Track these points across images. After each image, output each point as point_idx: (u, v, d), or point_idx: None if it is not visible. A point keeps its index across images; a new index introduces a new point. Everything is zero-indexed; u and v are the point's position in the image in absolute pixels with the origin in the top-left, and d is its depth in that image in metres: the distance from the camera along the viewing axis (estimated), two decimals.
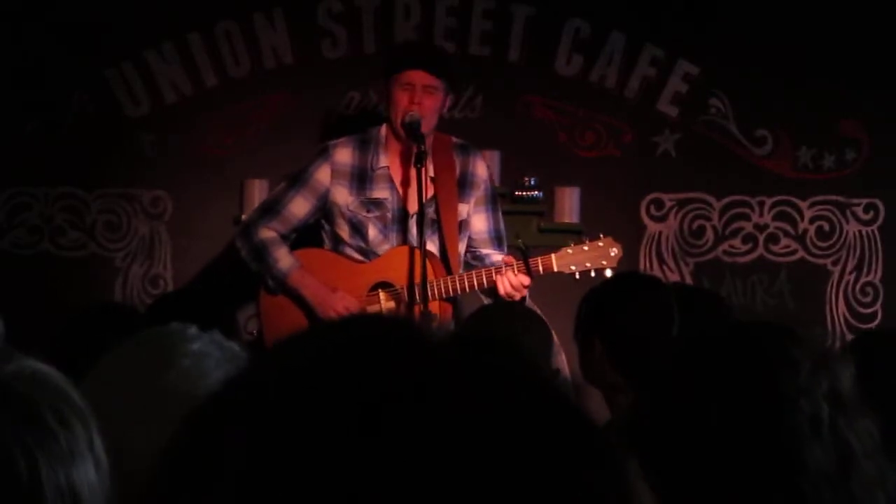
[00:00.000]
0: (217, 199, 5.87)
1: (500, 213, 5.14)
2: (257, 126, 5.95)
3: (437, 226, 4.96)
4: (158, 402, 1.83)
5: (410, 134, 4.81)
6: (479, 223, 5.07)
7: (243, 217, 5.64)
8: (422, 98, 4.83)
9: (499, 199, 5.22)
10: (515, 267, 4.70)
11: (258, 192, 5.75)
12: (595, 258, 4.74)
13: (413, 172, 4.81)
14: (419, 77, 4.86)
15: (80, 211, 5.91)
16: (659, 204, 6.07)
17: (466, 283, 4.77)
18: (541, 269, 4.73)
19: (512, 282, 4.68)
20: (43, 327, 4.06)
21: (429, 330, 0.86)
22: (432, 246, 4.93)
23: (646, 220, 6.05)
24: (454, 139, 5.09)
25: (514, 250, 4.91)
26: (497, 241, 5.08)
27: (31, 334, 2.85)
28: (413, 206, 4.87)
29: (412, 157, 4.81)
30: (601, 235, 4.80)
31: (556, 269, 4.74)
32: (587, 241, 4.79)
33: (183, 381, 1.84)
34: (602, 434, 0.84)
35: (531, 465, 0.79)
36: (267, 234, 4.99)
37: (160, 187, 5.93)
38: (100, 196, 5.92)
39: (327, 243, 5.06)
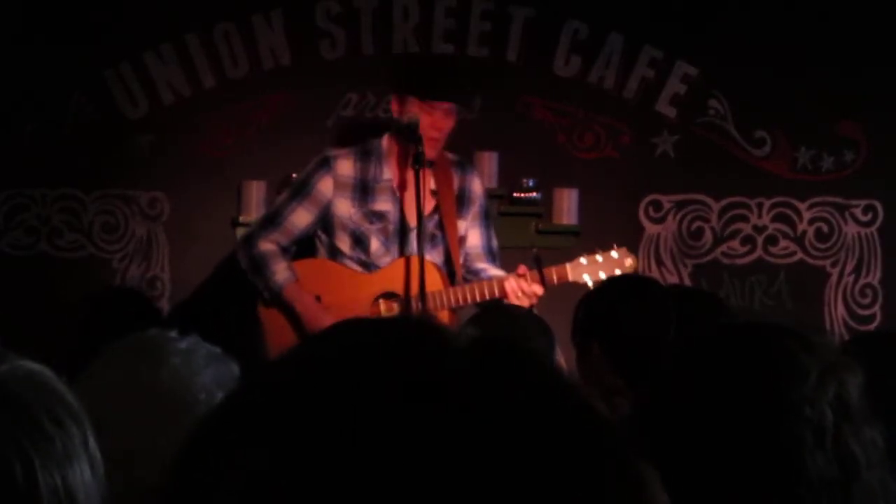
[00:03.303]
0: (215, 201, 5.86)
1: (493, 230, 5.17)
2: (256, 127, 5.95)
3: (442, 238, 4.97)
4: (154, 402, 1.83)
5: (409, 135, 4.81)
6: (474, 238, 5.09)
7: (241, 219, 5.65)
8: (443, 123, 4.87)
9: (492, 215, 5.24)
10: (529, 277, 4.72)
11: (256, 193, 5.75)
12: (609, 268, 4.78)
13: (414, 187, 4.81)
14: (447, 106, 4.88)
15: (77, 212, 5.90)
16: (657, 205, 6.07)
17: (477, 292, 4.79)
18: (555, 278, 4.76)
19: (525, 290, 4.70)
20: (40, 328, 4.06)
21: (445, 333, 0.85)
22: (437, 257, 4.95)
23: (644, 221, 6.05)
24: (450, 156, 5.11)
25: (528, 260, 4.92)
26: (491, 256, 5.10)
27: (28, 335, 2.84)
28: (414, 219, 4.88)
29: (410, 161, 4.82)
30: (614, 246, 4.84)
31: (570, 279, 4.78)
32: (600, 252, 4.82)
33: (175, 379, 1.84)
34: (626, 439, 0.84)
35: (557, 468, 0.79)
36: (266, 246, 5.00)
37: (158, 188, 5.93)
38: (97, 197, 5.92)
39: (323, 255, 5.05)
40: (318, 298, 4.96)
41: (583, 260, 4.79)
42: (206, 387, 1.84)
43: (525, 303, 4.72)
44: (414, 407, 0.79)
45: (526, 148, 5.97)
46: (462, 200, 5.08)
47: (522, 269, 4.79)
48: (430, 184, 4.88)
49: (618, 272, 4.77)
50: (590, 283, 4.74)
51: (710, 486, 1.68)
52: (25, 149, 5.84)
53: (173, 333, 1.92)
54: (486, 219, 5.15)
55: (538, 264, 4.74)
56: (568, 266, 4.79)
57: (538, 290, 4.71)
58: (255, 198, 5.72)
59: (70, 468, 1.26)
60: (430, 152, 4.83)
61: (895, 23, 6.01)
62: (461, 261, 5.05)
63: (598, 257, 4.78)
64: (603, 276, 4.75)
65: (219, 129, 5.94)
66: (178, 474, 0.84)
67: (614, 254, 4.79)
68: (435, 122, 4.85)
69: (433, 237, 4.95)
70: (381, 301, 4.91)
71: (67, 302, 5.57)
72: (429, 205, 4.80)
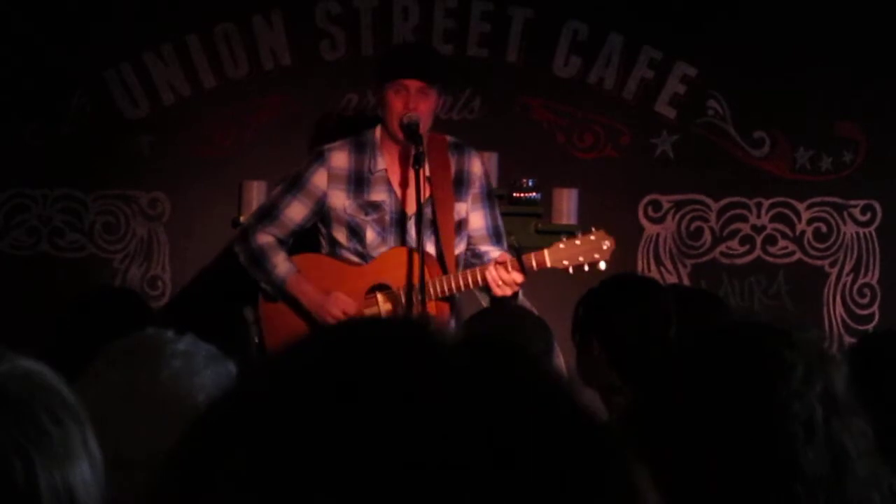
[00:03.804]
0: (215, 201, 5.86)
1: (498, 210, 5.13)
2: (256, 127, 5.95)
3: (434, 226, 4.95)
4: (154, 404, 1.83)
5: (409, 135, 4.81)
6: (477, 220, 5.07)
7: (241, 219, 5.65)
8: (417, 102, 4.84)
9: (495, 196, 5.22)
10: (509, 264, 4.70)
11: (256, 193, 5.75)
12: (587, 252, 4.74)
13: (411, 174, 4.81)
14: (413, 82, 4.86)
15: (78, 212, 5.90)
16: (657, 205, 6.07)
17: (461, 281, 4.77)
18: (534, 264, 4.72)
19: (504, 278, 4.67)
20: (41, 328, 4.06)
21: (439, 332, 0.85)
22: (429, 246, 4.93)
23: (644, 221, 6.05)
24: (449, 138, 5.09)
25: (507, 248, 4.92)
26: (496, 238, 5.07)
27: (28, 335, 2.85)
28: (411, 208, 4.87)
29: (410, 159, 4.81)
30: (592, 228, 4.79)
31: (549, 265, 4.73)
32: (579, 235, 4.78)
33: (175, 381, 1.85)
34: (613, 436, 0.84)
35: (542, 466, 0.79)
36: (264, 239, 4.99)
37: (158, 189, 5.93)
38: (98, 197, 5.92)
39: (325, 247, 5.05)
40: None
41: (561, 245, 4.76)
42: (206, 387, 1.85)
43: (507, 291, 4.69)
44: (406, 406, 0.79)
45: (525, 148, 5.97)
46: (460, 182, 5.05)
47: (503, 256, 4.78)
48: (425, 170, 4.86)
49: (596, 256, 4.74)
50: (570, 269, 4.73)
51: (706, 484, 1.68)
52: (26, 149, 5.84)
53: (171, 333, 1.92)
54: (489, 199, 5.11)
55: (517, 252, 4.73)
56: (546, 251, 4.75)
57: (518, 277, 4.69)
58: (256, 198, 5.72)
59: (70, 467, 1.26)
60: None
61: (894, 23, 6.01)
62: (465, 245, 5.04)
63: (577, 241, 4.76)
64: (582, 259, 4.73)
65: (219, 129, 5.94)
66: (173, 467, 0.84)
67: (592, 236, 4.77)
68: (408, 103, 4.85)
69: (428, 225, 4.94)
70: (377, 293, 4.90)
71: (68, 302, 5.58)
72: (423, 193, 4.79)
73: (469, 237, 5.06)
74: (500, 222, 5.10)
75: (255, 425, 0.82)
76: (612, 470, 0.82)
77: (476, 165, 5.09)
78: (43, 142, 5.85)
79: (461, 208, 5.03)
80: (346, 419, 0.79)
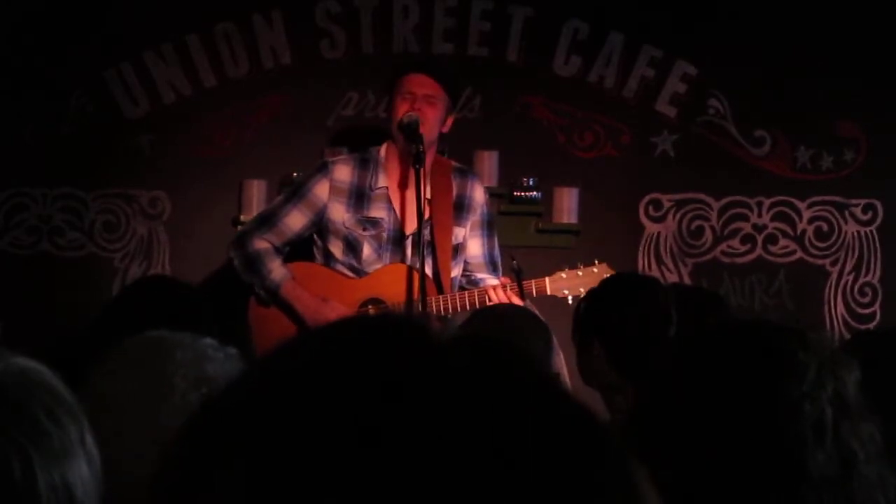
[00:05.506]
0: (215, 200, 5.86)
1: (496, 239, 5.16)
2: (256, 127, 5.95)
3: (431, 247, 4.97)
4: (171, 395, 1.84)
5: (408, 134, 4.81)
6: (475, 248, 5.09)
7: (242, 218, 5.65)
8: (422, 106, 4.85)
9: (495, 225, 5.23)
10: (509, 288, 4.73)
11: (256, 192, 5.75)
12: (588, 284, 4.77)
13: (411, 195, 4.80)
14: (420, 83, 4.87)
15: (78, 211, 5.90)
16: (657, 204, 6.06)
17: (458, 302, 4.80)
18: (534, 291, 4.79)
19: (502, 301, 4.71)
20: (41, 327, 4.07)
21: (438, 332, 0.85)
22: (426, 267, 4.93)
23: (644, 220, 6.05)
24: (453, 163, 5.12)
25: (508, 271, 4.93)
26: (492, 266, 5.09)
27: (29, 334, 2.85)
28: (409, 227, 4.88)
29: (411, 178, 4.80)
30: (596, 261, 4.85)
31: (549, 293, 4.80)
32: (581, 267, 4.85)
33: (187, 372, 1.85)
34: (611, 435, 0.84)
35: (541, 466, 0.79)
36: (261, 244, 4.99)
37: (159, 188, 5.93)
38: (98, 196, 5.92)
39: (318, 259, 5.05)
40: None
41: (563, 274, 4.82)
42: (218, 375, 1.87)
43: None
44: (404, 406, 0.79)
45: (526, 147, 5.97)
46: (461, 207, 5.07)
47: (505, 280, 4.82)
48: (426, 192, 4.87)
49: None
50: (569, 299, 4.77)
51: (710, 485, 1.68)
52: (26, 148, 5.84)
53: (166, 332, 1.94)
54: (489, 228, 5.14)
55: (518, 277, 4.76)
56: (547, 280, 4.81)
57: (516, 302, 4.72)
58: (256, 197, 5.72)
59: (68, 465, 1.26)
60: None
61: (894, 22, 6.00)
62: (460, 269, 5.06)
63: (579, 272, 4.82)
64: (582, 291, 4.76)
65: (219, 129, 5.94)
66: (171, 466, 0.84)
67: (595, 269, 4.83)
68: (414, 105, 4.85)
69: (425, 245, 4.94)
70: (370, 307, 4.90)
71: (69, 301, 5.59)
72: (423, 212, 4.80)
73: (466, 263, 5.08)
74: (496, 251, 5.13)
75: (253, 424, 0.81)
76: (612, 470, 0.82)
77: (478, 192, 5.12)
78: (43, 141, 5.85)
79: (459, 232, 5.05)
80: (344, 419, 0.79)
